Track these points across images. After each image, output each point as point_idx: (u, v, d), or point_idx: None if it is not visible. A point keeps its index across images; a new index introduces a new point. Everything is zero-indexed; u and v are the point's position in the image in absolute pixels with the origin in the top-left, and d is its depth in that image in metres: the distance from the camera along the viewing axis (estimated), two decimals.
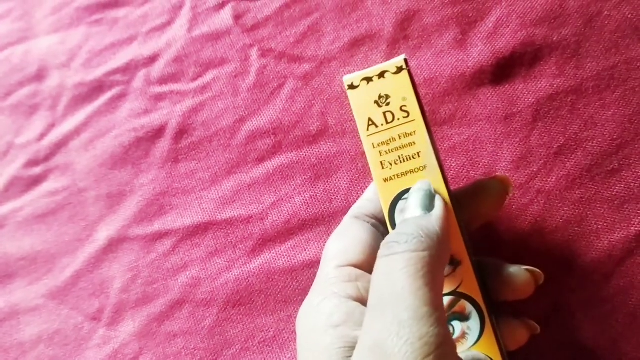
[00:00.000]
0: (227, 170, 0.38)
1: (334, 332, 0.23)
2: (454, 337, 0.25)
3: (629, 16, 0.37)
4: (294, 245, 0.36)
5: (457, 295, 0.25)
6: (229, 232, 0.37)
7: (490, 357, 0.24)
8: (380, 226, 0.28)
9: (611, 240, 0.33)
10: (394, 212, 0.26)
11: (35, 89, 0.42)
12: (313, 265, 0.35)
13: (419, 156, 0.26)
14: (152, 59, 0.41)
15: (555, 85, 0.36)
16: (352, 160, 0.37)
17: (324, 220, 0.36)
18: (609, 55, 0.36)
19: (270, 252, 0.36)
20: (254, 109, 0.39)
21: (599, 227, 0.33)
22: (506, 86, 0.37)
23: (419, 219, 0.24)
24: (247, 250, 0.36)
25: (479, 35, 0.38)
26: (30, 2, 0.45)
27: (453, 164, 0.36)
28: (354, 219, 0.29)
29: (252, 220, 0.37)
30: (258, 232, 0.36)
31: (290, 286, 0.35)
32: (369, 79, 0.27)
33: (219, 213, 0.37)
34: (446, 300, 0.25)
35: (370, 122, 0.26)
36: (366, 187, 0.36)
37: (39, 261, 0.38)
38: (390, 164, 0.26)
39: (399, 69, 0.27)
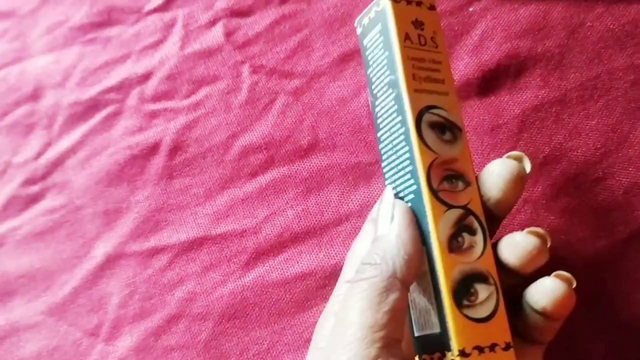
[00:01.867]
0: (221, 185, 0.40)
1: None
2: (463, 247, 0.26)
3: (611, 27, 0.38)
4: (287, 258, 0.37)
5: (467, 210, 0.27)
6: (223, 246, 0.38)
7: (490, 272, 0.26)
8: None
9: (597, 248, 0.35)
10: (421, 121, 0.27)
11: (31, 108, 0.44)
12: (306, 277, 0.37)
13: (443, 83, 0.29)
14: (146, 77, 0.43)
15: (540, 96, 0.38)
16: (343, 174, 0.38)
17: (315, 233, 0.37)
18: (592, 66, 0.38)
19: (264, 265, 0.37)
20: (246, 124, 0.40)
21: (585, 235, 0.35)
22: (492, 98, 0.38)
23: (381, 240, 0.25)
24: (241, 264, 0.37)
25: (464, 49, 0.39)
26: (25, 22, 0.47)
27: None
28: (372, 224, 0.29)
29: (246, 234, 0.38)
30: (252, 245, 0.38)
31: (284, 299, 0.36)
32: (409, 1, 0.29)
33: (214, 228, 0.39)
34: (457, 212, 0.26)
35: (407, 37, 0.28)
36: (357, 199, 0.38)
37: (38, 278, 0.40)
38: (421, 79, 0.28)
39: (432, 7, 0.29)
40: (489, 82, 0.38)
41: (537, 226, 0.34)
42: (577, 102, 0.37)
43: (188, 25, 0.44)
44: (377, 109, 0.29)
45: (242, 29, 0.43)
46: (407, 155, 0.27)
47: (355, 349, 0.22)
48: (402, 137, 0.27)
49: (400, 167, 0.27)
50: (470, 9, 0.40)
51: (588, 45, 0.38)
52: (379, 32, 0.29)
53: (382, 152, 0.29)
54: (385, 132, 0.29)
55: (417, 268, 0.25)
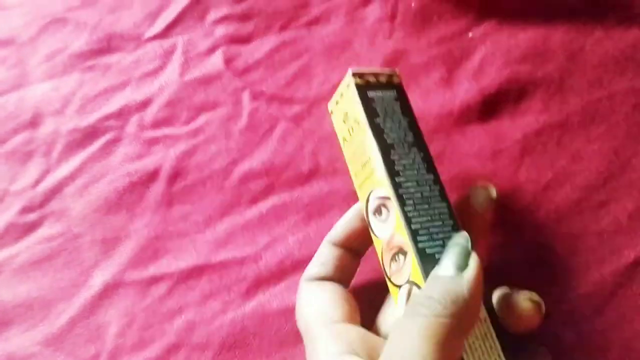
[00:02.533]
0: (221, 212, 0.39)
1: None
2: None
3: (611, 51, 0.39)
4: (288, 286, 0.37)
5: (410, 283, 0.27)
6: (223, 274, 0.38)
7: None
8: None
9: (602, 272, 0.34)
10: (368, 215, 0.28)
11: (29, 135, 0.44)
12: None
13: (369, 161, 0.29)
14: (145, 104, 0.43)
15: (541, 121, 0.38)
16: (344, 199, 0.38)
17: None
18: (592, 90, 0.38)
19: (264, 294, 0.37)
20: (246, 151, 0.40)
21: (589, 259, 0.35)
22: (493, 123, 0.38)
23: (449, 282, 0.24)
24: (241, 293, 0.37)
25: (464, 74, 0.40)
26: (24, 49, 0.47)
27: None
28: (308, 282, 0.31)
29: (246, 262, 0.38)
30: (252, 273, 0.37)
31: (284, 328, 0.36)
32: (337, 102, 0.31)
33: (214, 255, 0.38)
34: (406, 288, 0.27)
35: (344, 139, 0.30)
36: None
37: (35, 307, 0.39)
38: (357, 172, 0.29)
39: (348, 85, 0.30)
40: (490, 106, 0.39)
41: (540, 250, 0.34)
42: (578, 126, 0.37)
43: (188, 52, 0.44)
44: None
45: (242, 55, 0.43)
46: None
47: None
48: None
49: None
50: (470, 34, 0.41)
51: (588, 70, 0.39)
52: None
53: None
54: None
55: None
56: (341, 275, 0.31)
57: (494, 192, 0.30)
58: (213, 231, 0.39)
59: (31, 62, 0.47)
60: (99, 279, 0.39)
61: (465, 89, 0.39)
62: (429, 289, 0.24)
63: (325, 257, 0.31)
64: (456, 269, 0.25)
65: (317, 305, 0.29)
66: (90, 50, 0.46)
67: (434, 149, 0.38)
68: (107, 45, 0.46)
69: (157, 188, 0.41)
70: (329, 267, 0.31)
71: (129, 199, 0.41)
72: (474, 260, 0.25)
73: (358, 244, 0.32)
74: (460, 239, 0.26)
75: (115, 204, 0.41)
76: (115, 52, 0.46)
